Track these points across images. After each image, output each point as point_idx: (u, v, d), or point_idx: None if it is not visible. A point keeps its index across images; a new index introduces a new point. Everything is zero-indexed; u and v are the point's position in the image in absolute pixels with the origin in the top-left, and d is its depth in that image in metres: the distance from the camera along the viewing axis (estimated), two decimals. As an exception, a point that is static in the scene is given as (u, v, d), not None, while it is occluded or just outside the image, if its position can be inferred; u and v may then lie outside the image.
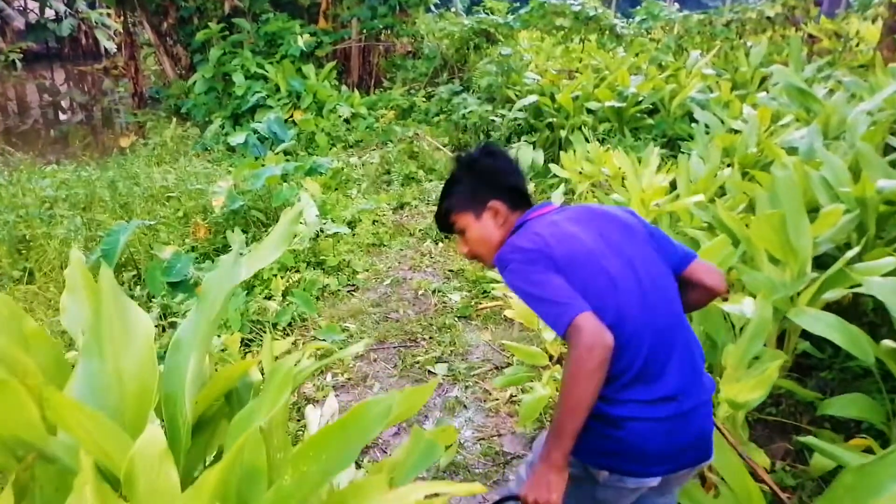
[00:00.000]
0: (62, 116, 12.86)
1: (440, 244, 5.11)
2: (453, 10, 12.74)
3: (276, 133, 7.66)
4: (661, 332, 1.48)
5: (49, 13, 19.82)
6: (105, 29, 19.67)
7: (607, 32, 8.80)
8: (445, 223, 1.73)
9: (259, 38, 10.09)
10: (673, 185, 4.37)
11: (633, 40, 8.52)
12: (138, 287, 4.26)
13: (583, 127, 6.38)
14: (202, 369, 1.47)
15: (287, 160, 6.95)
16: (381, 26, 10.51)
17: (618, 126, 6.36)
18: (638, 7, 9.40)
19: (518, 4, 12.65)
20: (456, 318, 3.90)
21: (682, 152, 5.80)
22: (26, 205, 5.34)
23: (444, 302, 4.11)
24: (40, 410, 1.12)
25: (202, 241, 5.22)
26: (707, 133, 5.63)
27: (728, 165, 4.69)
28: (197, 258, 4.94)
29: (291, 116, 8.73)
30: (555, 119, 6.49)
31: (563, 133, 6.32)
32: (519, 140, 6.80)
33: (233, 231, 5.17)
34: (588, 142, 6.23)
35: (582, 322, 1.35)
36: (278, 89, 9.03)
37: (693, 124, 5.93)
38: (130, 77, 12.49)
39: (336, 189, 6.11)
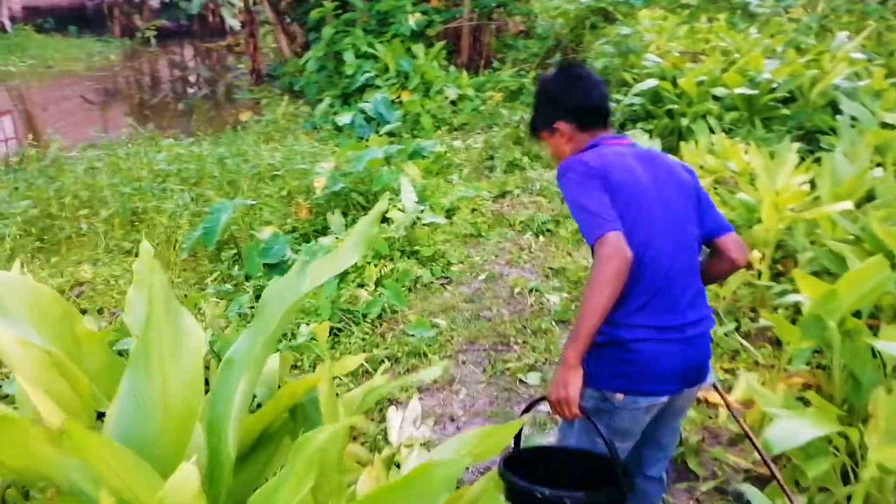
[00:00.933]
0: (187, 91, 13.53)
1: (541, 237, 4.82)
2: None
3: (382, 114, 7.59)
4: (676, 274, 1.68)
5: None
6: (231, 7, 20.56)
7: (739, 11, 8.04)
8: (533, 134, 1.96)
9: (371, 16, 10.05)
10: (812, 187, 3.84)
11: (769, 20, 7.72)
12: (236, 266, 4.28)
13: (707, 116, 5.83)
14: (253, 392, 1.32)
15: (391, 142, 6.86)
16: (493, 4, 10.20)
17: (748, 116, 5.76)
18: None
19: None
20: (553, 322, 3.63)
21: (824, 148, 5.17)
22: (141, 178, 5.54)
23: (541, 303, 3.84)
24: (60, 444, 0.99)
25: (303, 222, 5.22)
26: (854, 126, 4.96)
27: (879, 166, 4.08)
28: (297, 239, 4.94)
29: (399, 97, 8.64)
30: (676, 106, 5.97)
31: (684, 122, 5.80)
32: (634, 127, 6.33)
33: (333, 213, 5.15)
34: (713, 132, 5.69)
35: (610, 237, 1.55)
36: (387, 69, 8.96)
37: (837, 116, 5.25)
38: (249, 54, 12.93)
39: (437, 174, 5.93)
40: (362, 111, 7.94)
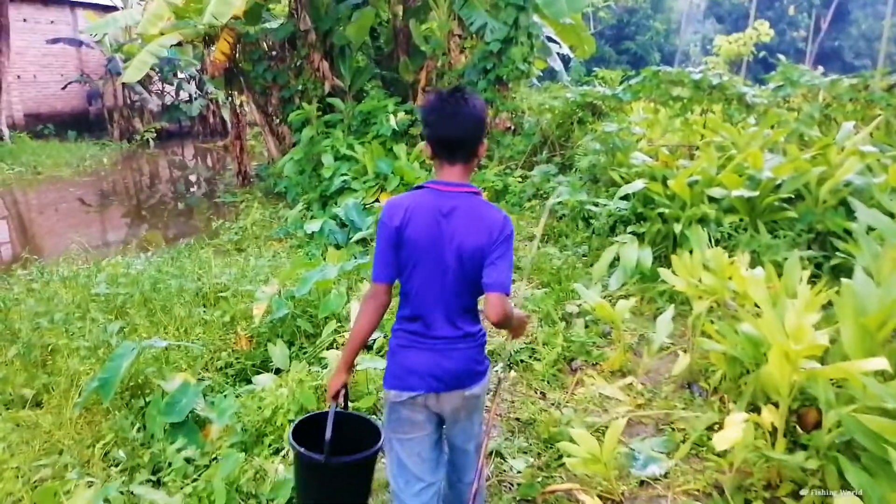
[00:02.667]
0: (169, 194, 13.19)
1: (511, 372, 4.08)
2: (560, 82, 11.95)
3: (354, 220, 7.04)
4: (434, 306, 2.15)
5: (183, 95, 21.29)
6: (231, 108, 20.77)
7: (735, 102, 7.57)
8: None
9: (353, 117, 9.75)
10: (829, 304, 3.11)
11: (768, 110, 7.23)
12: (136, 427, 3.54)
13: (704, 220, 5.19)
14: None
15: (362, 251, 6.28)
16: (480, 101, 9.87)
17: (749, 219, 5.11)
18: (772, 73, 8.11)
19: (636, 72, 11.67)
20: (515, 502, 2.83)
21: (840, 254, 4.47)
22: (68, 305, 4.92)
23: (501, 471, 3.06)
24: None
25: (243, 354, 4.54)
26: (870, 232, 4.28)
27: (913, 287, 3.36)
28: (228, 378, 4.25)
29: (377, 200, 8.14)
30: (667, 210, 5.34)
31: (677, 227, 5.15)
32: (625, 230, 5.69)
33: (275, 344, 4.47)
34: (711, 238, 5.03)
35: (376, 285, 2.18)
36: (366, 171, 8.52)
37: (851, 216, 4.60)
38: (235, 156, 12.68)
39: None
40: (335, 217, 7.42)
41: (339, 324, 4.42)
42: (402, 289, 2.16)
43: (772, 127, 6.48)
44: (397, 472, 2.23)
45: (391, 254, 2.10)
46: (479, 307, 2.14)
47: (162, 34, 9.62)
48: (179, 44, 11.48)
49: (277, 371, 4.26)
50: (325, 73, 10.83)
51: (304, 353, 4.49)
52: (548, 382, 3.92)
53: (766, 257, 4.73)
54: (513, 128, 9.67)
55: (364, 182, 8.24)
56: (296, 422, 2.32)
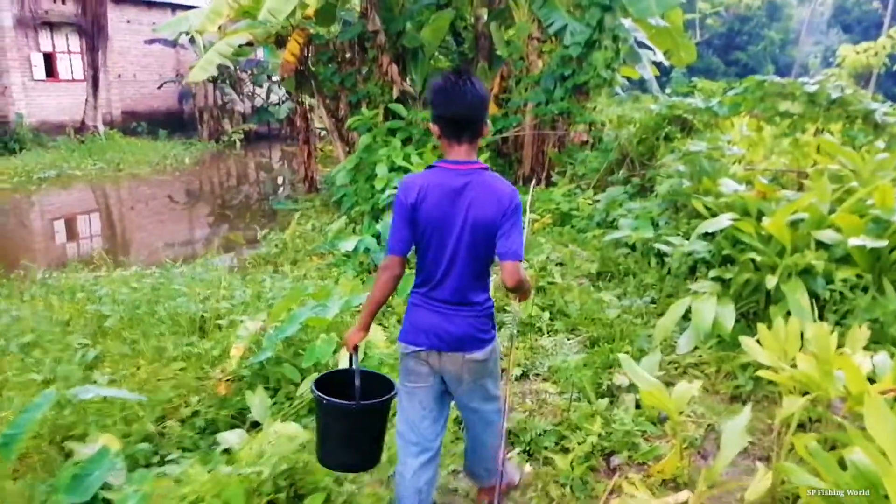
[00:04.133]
0: (236, 197, 12.97)
1: (529, 465, 3.12)
2: (651, 92, 10.72)
3: (390, 241, 6.24)
4: (445, 275, 2.33)
5: (273, 98, 21.46)
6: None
7: (859, 121, 6.20)
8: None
9: (415, 125, 9.01)
10: None
11: (903, 133, 5.85)
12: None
13: (807, 272, 4.01)
14: None
15: None
16: (555, 111, 8.88)
17: (872, 277, 3.88)
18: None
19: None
20: None
21: None
22: (26, 329, 4.40)
23: None
24: None
25: (219, 401, 3.84)
26: None
27: None
28: (196, 431, 3.55)
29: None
30: (760, 256, 4.18)
31: (771, 280, 3.99)
32: (706, 274, 4.56)
33: (254, 392, 3.73)
34: (817, 298, 3.86)
35: (390, 257, 2.38)
36: (419, 184, 7.73)
37: None
38: (302, 161, 12.29)
39: None
40: (377, 234, 6.66)
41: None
42: (417, 259, 2.36)
43: (909, 154, 5.13)
44: (400, 430, 2.49)
45: (406, 228, 2.27)
46: (489, 278, 2.39)
47: (221, 32, 9.28)
48: (250, 44, 11.18)
49: (256, 424, 3.54)
50: (393, 77, 10.17)
51: (290, 402, 3.74)
52: (571, 489, 2.93)
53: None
54: (590, 142, 8.60)
55: (415, 197, 7.44)
56: (315, 378, 2.65)
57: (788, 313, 3.88)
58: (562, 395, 3.70)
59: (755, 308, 4.38)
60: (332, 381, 2.53)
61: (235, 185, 14.51)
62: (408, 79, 10.84)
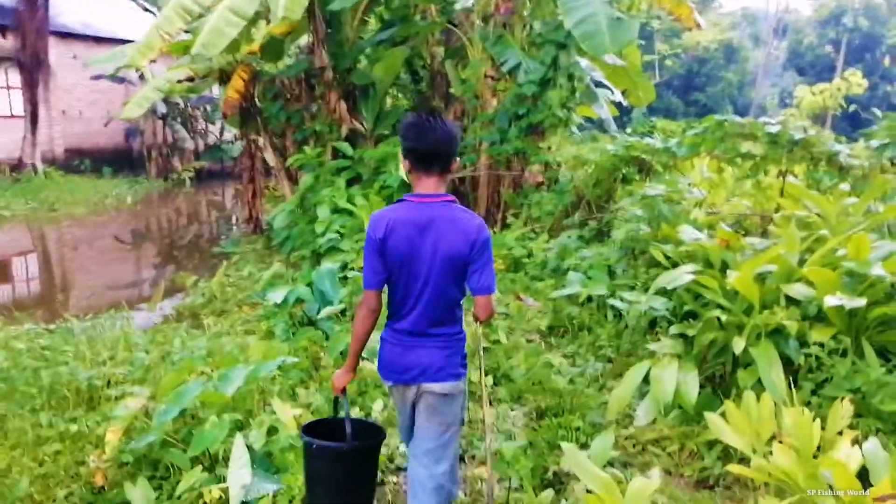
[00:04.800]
0: (168, 240, 12.22)
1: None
2: (610, 132, 10.44)
3: (324, 292, 5.66)
4: (420, 306, 2.38)
5: (227, 136, 20.83)
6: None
7: (823, 163, 5.89)
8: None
9: (362, 164, 8.52)
10: None
11: (869, 175, 5.52)
12: None
13: (779, 332, 3.54)
14: None
15: (307, 342, 4.90)
16: (510, 151, 8.48)
17: (850, 337, 3.43)
18: (868, 128, 6.43)
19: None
20: None
21: None
22: None
23: None
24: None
25: (99, 490, 3.19)
26: None
27: None
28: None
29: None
30: (725, 314, 3.70)
31: (739, 343, 3.50)
32: (667, 330, 4.06)
33: (135, 484, 3.08)
34: (790, 363, 3.39)
35: (368, 293, 2.40)
36: (363, 228, 7.19)
37: None
38: (247, 201, 11.65)
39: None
40: (310, 284, 6.06)
41: (209, 472, 3.00)
42: (388, 294, 2.41)
43: (881, 199, 4.77)
44: (403, 437, 2.66)
45: (379, 263, 2.32)
46: (460, 311, 2.44)
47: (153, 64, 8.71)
48: (191, 79, 10.64)
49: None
50: (342, 115, 9.69)
51: (175, 497, 3.09)
52: None
53: (881, 404, 3.05)
54: (546, 183, 8.19)
55: (357, 241, 6.89)
56: (304, 425, 2.65)
57: (759, 380, 3.41)
58: (500, 483, 3.13)
59: (721, 371, 3.90)
60: (317, 429, 2.54)
61: (178, 226, 13.76)
62: (360, 116, 10.40)
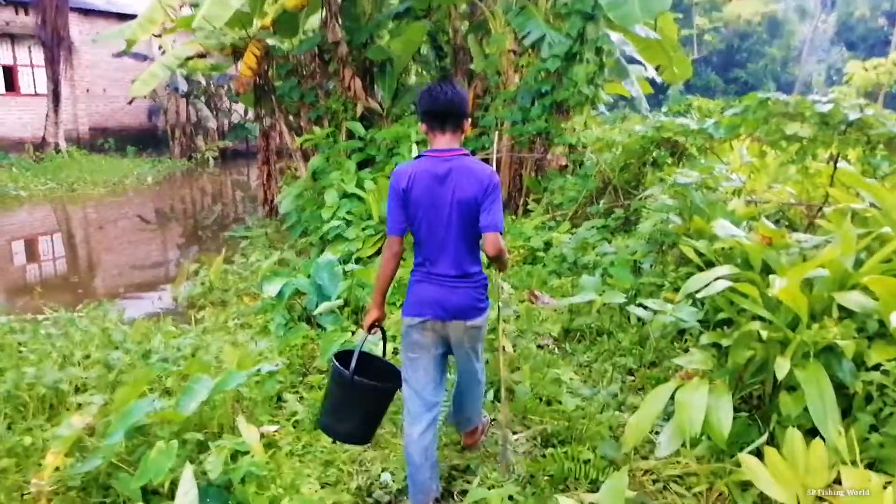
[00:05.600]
0: (183, 223, 11.94)
1: None
2: (642, 112, 9.75)
3: (322, 286, 5.23)
4: (440, 250, 2.62)
5: (251, 114, 20.52)
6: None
7: (881, 146, 5.22)
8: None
9: (372, 145, 8.05)
10: None
11: (935, 161, 4.85)
12: None
13: (830, 351, 2.99)
14: None
15: (315, 335, 4.52)
16: (532, 131, 7.91)
17: (918, 361, 2.85)
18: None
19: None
20: None
21: None
22: None
23: None
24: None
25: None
26: None
27: None
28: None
29: (379, 252, 6.36)
30: (766, 328, 3.15)
31: (782, 362, 2.96)
32: (697, 340, 3.54)
33: (79, 513, 2.71)
34: (843, 389, 2.85)
35: (391, 238, 2.69)
36: (372, 214, 6.74)
37: None
38: (262, 183, 11.31)
39: (295, 454, 3.37)
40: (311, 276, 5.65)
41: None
42: (413, 239, 2.66)
43: (951, 190, 4.12)
44: (406, 396, 2.75)
45: (400, 211, 2.58)
46: (479, 252, 2.67)
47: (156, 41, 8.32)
48: (203, 55, 10.24)
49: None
50: (356, 92, 9.20)
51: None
52: None
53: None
54: (570, 166, 7.62)
55: (363, 229, 6.44)
56: (341, 350, 2.92)
57: (805, 409, 2.88)
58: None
59: (760, 390, 3.36)
60: (346, 360, 2.72)
61: (196, 207, 13.49)
62: (376, 94, 9.91)
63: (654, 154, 6.28)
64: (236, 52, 10.11)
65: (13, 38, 16.40)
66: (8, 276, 7.88)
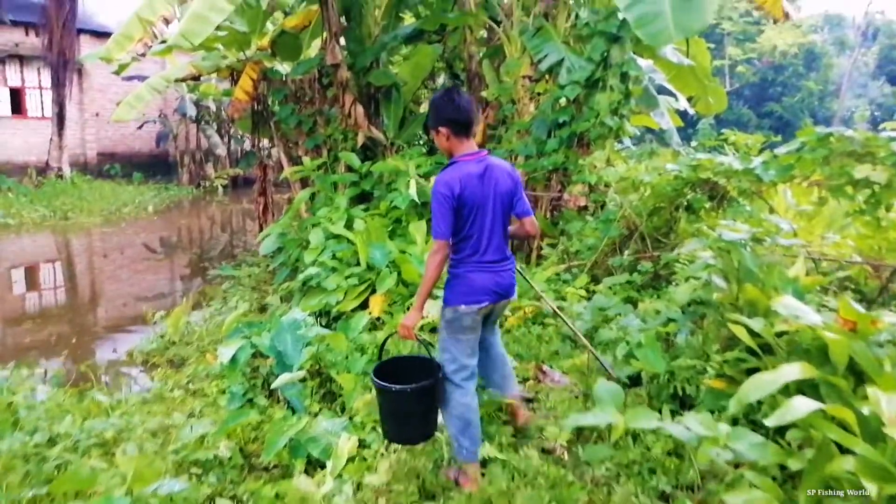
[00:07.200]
0: (170, 259, 11.15)
1: None
2: (672, 146, 8.79)
3: (282, 352, 4.32)
4: (489, 241, 2.97)
5: (266, 142, 19.96)
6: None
7: (975, 195, 4.21)
8: (425, 131, 5.09)
9: (369, 179, 7.20)
10: None
11: None
12: None
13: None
14: None
15: (266, 417, 3.62)
16: (548, 166, 7.00)
17: None
18: None
19: (782, 138, 8.31)
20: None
21: None
22: None
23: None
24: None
25: None
26: None
27: None
28: None
29: (363, 305, 5.45)
30: (871, 473, 2.14)
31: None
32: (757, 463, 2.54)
33: None
34: None
35: (440, 242, 2.87)
36: (359, 259, 5.84)
37: None
38: (258, 215, 10.52)
39: None
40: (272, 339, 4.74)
41: None
42: (464, 235, 2.94)
43: None
44: (450, 365, 3.03)
45: (452, 216, 2.85)
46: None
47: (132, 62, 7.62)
48: (196, 78, 9.57)
49: None
50: (357, 120, 8.40)
51: None
52: None
53: None
54: (590, 208, 6.67)
55: (347, 277, 5.54)
56: (376, 365, 3.16)
57: None
58: None
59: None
60: (384, 370, 3.08)
61: (192, 240, 12.72)
62: (380, 122, 9.11)
63: (689, 197, 5.32)
64: (234, 75, 9.44)
65: (22, 59, 16.06)
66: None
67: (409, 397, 2.90)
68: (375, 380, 2.96)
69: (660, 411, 3.48)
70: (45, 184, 14.76)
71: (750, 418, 3.09)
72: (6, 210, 12.12)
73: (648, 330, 3.61)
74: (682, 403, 3.53)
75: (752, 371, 3.25)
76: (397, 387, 2.88)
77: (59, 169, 15.49)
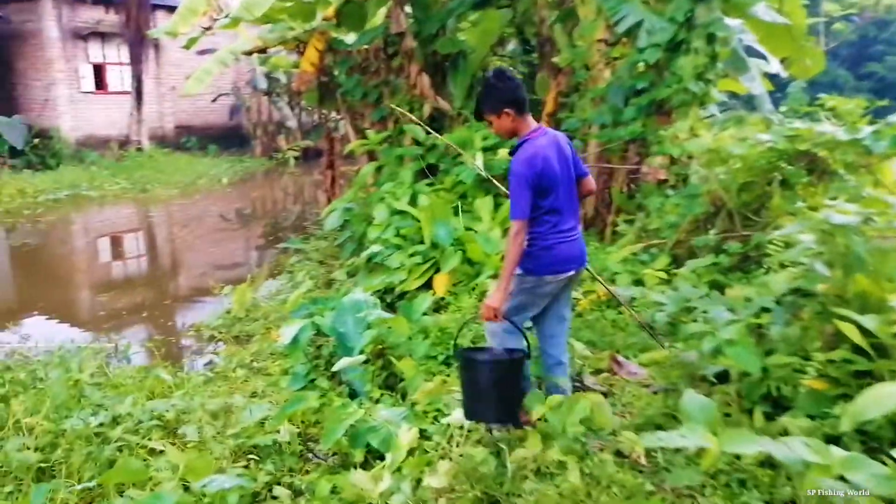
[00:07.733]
0: (242, 231, 11.25)
1: None
2: (763, 113, 8.09)
3: (343, 334, 4.18)
4: (567, 208, 3.05)
5: (333, 115, 20.02)
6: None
7: None
8: (480, 116, 3.09)
9: (434, 152, 6.96)
10: None
11: None
12: None
13: None
14: None
15: (326, 402, 3.51)
16: (625, 137, 6.56)
17: None
18: None
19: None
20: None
21: None
22: None
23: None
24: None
25: None
26: None
27: None
28: None
29: (428, 285, 5.27)
30: None
31: None
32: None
33: None
34: None
35: (519, 222, 2.87)
36: (423, 237, 5.64)
37: None
38: (325, 189, 10.49)
39: None
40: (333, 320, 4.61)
41: None
42: (546, 208, 2.97)
43: None
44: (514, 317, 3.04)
45: (532, 195, 2.88)
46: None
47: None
48: (263, 51, 9.53)
49: None
50: (423, 91, 8.15)
51: None
52: None
53: None
54: (671, 182, 6.21)
55: (410, 255, 5.36)
56: (462, 349, 3.44)
57: None
58: None
59: None
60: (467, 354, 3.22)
61: (265, 212, 12.86)
62: (447, 92, 8.81)
63: (785, 171, 4.81)
64: (300, 47, 9.34)
65: (103, 36, 16.56)
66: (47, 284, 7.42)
67: (489, 371, 2.96)
68: (462, 353, 3.14)
69: (750, 412, 3.16)
70: (125, 157, 15.28)
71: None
72: (90, 183, 12.61)
73: (739, 322, 3.24)
74: (776, 403, 3.17)
75: (860, 374, 2.86)
76: (480, 356, 3.05)
77: (139, 142, 16.01)
